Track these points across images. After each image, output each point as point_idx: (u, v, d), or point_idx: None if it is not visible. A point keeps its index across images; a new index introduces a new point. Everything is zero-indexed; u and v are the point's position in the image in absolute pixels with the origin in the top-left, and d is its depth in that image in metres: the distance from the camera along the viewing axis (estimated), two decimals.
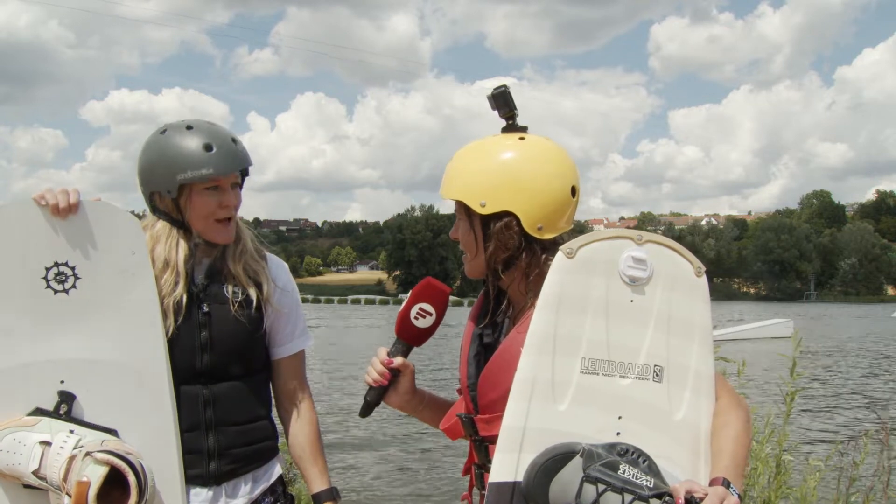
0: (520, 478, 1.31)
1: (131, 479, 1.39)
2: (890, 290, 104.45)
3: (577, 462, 1.27)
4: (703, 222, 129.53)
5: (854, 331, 31.47)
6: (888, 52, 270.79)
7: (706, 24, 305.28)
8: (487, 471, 1.44)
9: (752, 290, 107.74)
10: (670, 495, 1.23)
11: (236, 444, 1.72)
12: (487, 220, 1.42)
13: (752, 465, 3.51)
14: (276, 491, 1.81)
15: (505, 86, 1.47)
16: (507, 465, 1.32)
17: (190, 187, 1.68)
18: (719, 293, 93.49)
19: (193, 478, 1.67)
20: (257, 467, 1.77)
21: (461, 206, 1.46)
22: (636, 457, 1.31)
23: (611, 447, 1.31)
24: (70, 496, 1.38)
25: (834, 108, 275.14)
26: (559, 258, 1.36)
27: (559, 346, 1.34)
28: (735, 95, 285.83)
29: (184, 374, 1.67)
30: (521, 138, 1.45)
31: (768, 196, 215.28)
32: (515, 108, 1.46)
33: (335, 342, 22.67)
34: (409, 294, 1.58)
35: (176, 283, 1.66)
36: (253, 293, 1.74)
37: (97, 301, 1.56)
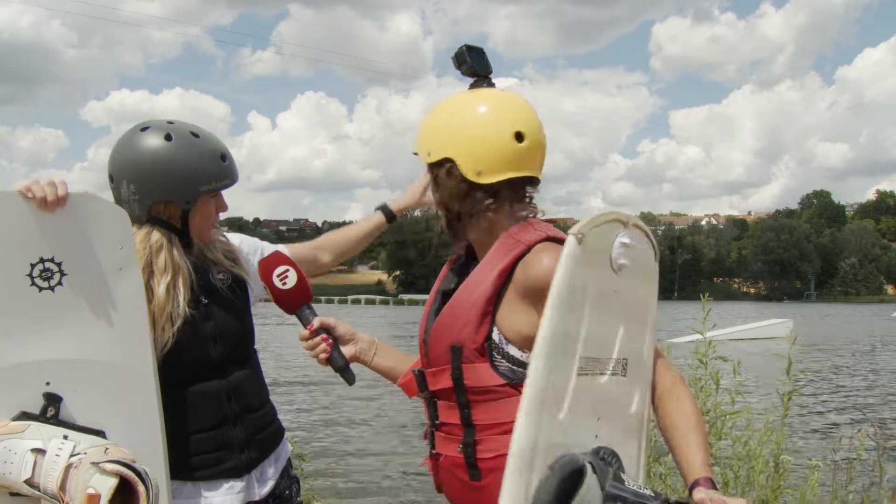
0: (528, 502, 1.20)
1: (141, 489, 1.38)
2: (890, 290, 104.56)
3: (592, 480, 1.21)
4: (703, 222, 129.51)
5: (854, 331, 31.46)
6: (889, 52, 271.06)
7: (708, 25, 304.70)
8: (436, 428, 1.47)
9: (752, 290, 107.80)
10: (669, 502, 1.20)
11: (258, 431, 1.77)
12: (434, 168, 1.46)
13: (751, 464, 3.51)
14: (289, 473, 1.89)
15: (467, 45, 1.50)
16: (518, 492, 1.18)
17: (202, 197, 1.70)
18: (719, 293, 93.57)
19: (228, 471, 1.71)
20: (275, 448, 1.83)
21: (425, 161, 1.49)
22: (612, 459, 1.28)
23: (595, 453, 1.27)
24: None
25: (835, 108, 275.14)
26: (571, 245, 1.24)
27: (565, 347, 1.25)
28: (736, 95, 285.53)
29: (199, 369, 1.70)
30: (473, 91, 1.48)
31: (769, 196, 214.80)
32: (478, 66, 1.48)
33: None
34: (262, 279, 1.67)
35: (185, 289, 1.68)
36: (238, 272, 1.80)
37: (84, 299, 1.52)
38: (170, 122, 1.71)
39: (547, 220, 1.50)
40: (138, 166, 1.66)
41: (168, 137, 1.66)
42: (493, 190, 1.43)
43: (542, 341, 1.21)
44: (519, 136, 1.42)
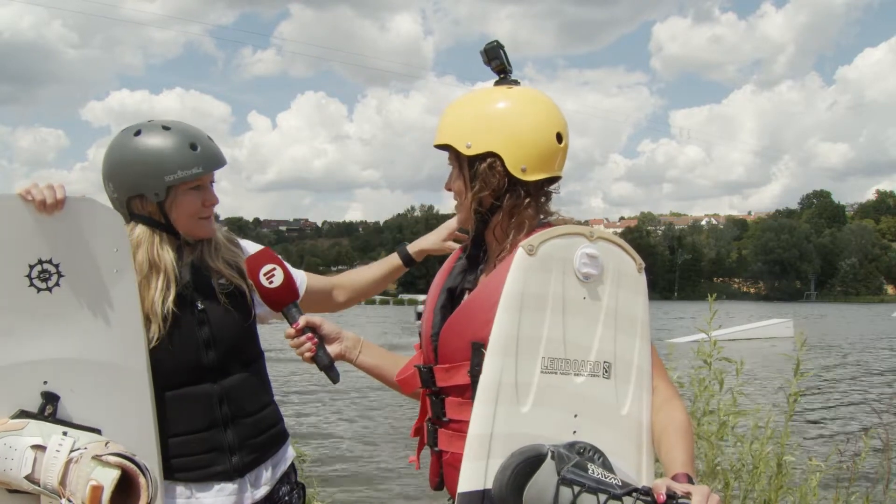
0: (489, 485, 1.29)
1: (142, 480, 1.38)
2: (890, 290, 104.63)
3: (549, 465, 1.27)
4: (703, 222, 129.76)
5: (854, 331, 31.48)
6: (890, 52, 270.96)
7: (708, 25, 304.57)
8: (442, 425, 1.46)
9: (752, 290, 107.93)
10: (638, 491, 1.23)
11: (253, 435, 1.75)
12: (473, 161, 1.45)
13: (753, 464, 3.50)
14: (290, 479, 1.85)
15: (497, 41, 1.50)
16: (476, 473, 1.30)
17: (176, 188, 1.66)
18: (719, 293, 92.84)
19: (218, 474, 1.69)
20: (274, 453, 1.81)
21: (452, 152, 1.49)
22: (592, 454, 1.33)
23: (570, 446, 1.32)
24: (71, 501, 1.36)
25: (835, 108, 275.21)
26: (520, 255, 1.35)
27: (522, 347, 1.34)
28: (736, 95, 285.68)
29: (191, 373, 1.68)
30: (509, 87, 1.49)
31: (769, 196, 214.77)
32: (508, 64, 1.50)
33: None
34: (249, 277, 1.65)
35: (168, 286, 1.66)
36: (239, 282, 1.76)
37: (81, 299, 1.53)
38: (150, 121, 1.71)
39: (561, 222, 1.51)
40: (111, 163, 1.68)
41: (137, 133, 1.67)
42: (531, 188, 1.46)
43: (493, 341, 1.34)
44: (559, 137, 1.46)
